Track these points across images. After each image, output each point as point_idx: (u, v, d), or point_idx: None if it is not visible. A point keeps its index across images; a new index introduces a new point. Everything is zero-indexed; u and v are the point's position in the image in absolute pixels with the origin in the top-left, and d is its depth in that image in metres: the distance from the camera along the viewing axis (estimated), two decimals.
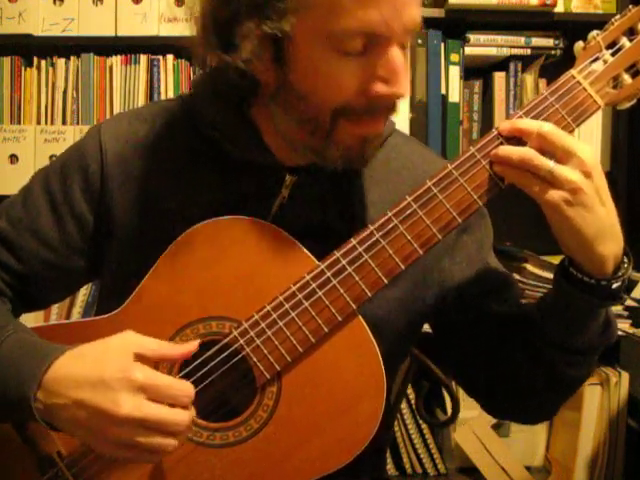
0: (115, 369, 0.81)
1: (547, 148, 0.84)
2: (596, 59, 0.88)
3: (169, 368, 0.90)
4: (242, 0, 0.83)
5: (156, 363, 0.89)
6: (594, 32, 0.89)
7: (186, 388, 0.83)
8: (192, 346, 0.87)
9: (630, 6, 0.88)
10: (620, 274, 0.87)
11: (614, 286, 0.87)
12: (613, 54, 0.88)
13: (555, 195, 0.82)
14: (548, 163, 0.83)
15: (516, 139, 0.86)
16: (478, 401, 1.08)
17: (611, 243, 0.85)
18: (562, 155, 0.83)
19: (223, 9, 0.85)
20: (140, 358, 0.83)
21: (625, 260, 0.89)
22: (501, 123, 0.87)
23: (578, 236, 0.84)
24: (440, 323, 1.06)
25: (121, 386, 0.80)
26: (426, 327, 1.09)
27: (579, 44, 0.90)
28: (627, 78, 0.88)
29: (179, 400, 0.82)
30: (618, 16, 0.89)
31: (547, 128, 0.84)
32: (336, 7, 0.79)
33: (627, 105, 0.91)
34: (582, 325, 0.91)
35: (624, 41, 0.88)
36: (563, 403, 1.03)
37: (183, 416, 0.81)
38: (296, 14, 0.81)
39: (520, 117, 0.87)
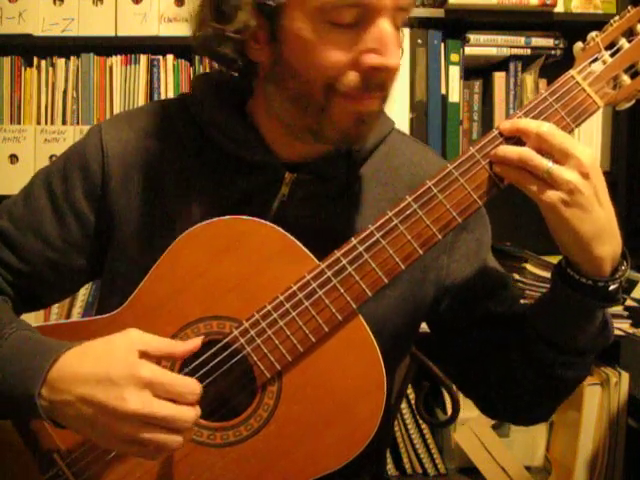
0: (121, 366, 0.81)
1: (545, 148, 0.84)
2: (595, 60, 0.88)
3: (170, 367, 0.90)
4: None
5: (158, 361, 0.90)
6: (593, 33, 0.89)
7: (192, 385, 0.82)
8: (196, 343, 0.86)
9: (629, 7, 0.89)
10: (618, 276, 0.87)
11: (611, 288, 0.87)
12: (612, 55, 0.88)
13: (552, 195, 0.83)
14: (546, 163, 0.83)
15: (516, 139, 0.86)
16: (474, 401, 1.08)
17: (609, 244, 0.85)
18: (560, 156, 0.83)
19: None
20: (144, 355, 0.82)
21: (623, 262, 0.89)
22: (501, 123, 0.88)
23: (575, 237, 0.84)
24: (437, 321, 1.07)
25: (127, 382, 0.79)
26: (425, 327, 1.09)
27: (578, 45, 0.90)
28: (626, 79, 0.89)
29: (185, 397, 0.81)
30: (617, 17, 0.89)
31: (545, 128, 0.84)
32: None
33: (626, 106, 0.91)
34: (579, 326, 0.91)
35: (623, 42, 0.89)
36: (558, 405, 1.03)
37: (189, 413, 0.81)
38: None
39: (520, 117, 0.87)
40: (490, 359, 1.01)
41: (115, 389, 0.79)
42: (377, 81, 0.86)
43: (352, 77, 0.84)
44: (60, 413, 0.83)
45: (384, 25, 0.83)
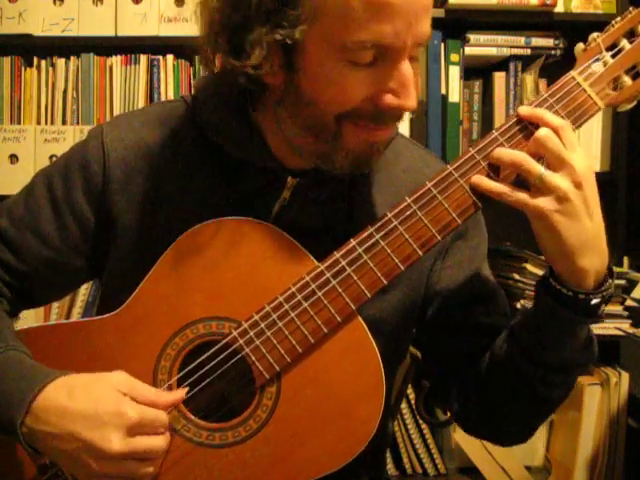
0: (109, 405, 0.83)
1: (541, 153, 0.84)
2: (596, 61, 0.88)
3: (169, 370, 0.90)
4: (253, 7, 0.81)
5: (154, 369, 0.90)
6: (594, 34, 0.89)
7: (165, 419, 0.87)
8: (180, 395, 0.89)
9: (630, 8, 0.89)
10: (601, 290, 0.86)
11: (593, 302, 0.86)
12: (613, 56, 0.88)
13: (541, 202, 0.82)
14: (539, 169, 0.83)
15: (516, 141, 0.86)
16: (450, 412, 1.07)
17: (593, 257, 0.84)
18: (554, 162, 0.83)
19: (233, 14, 0.84)
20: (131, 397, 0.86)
21: (608, 279, 0.88)
22: (500, 123, 0.87)
23: (560, 245, 0.83)
24: (423, 326, 1.05)
25: (114, 422, 0.82)
26: None
27: (579, 46, 0.90)
28: (627, 80, 0.88)
29: (158, 430, 0.86)
30: (618, 18, 0.89)
31: (542, 133, 0.83)
32: (349, 18, 0.79)
33: (627, 107, 0.90)
34: (559, 340, 0.90)
35: (624, 43, 0.88)
36: (536, 426, 1.01)
37: (162, 442, 0.86)
38: (309, 23, 0.80)
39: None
40: (471, 370, 1.00)
41: (101, 429, 0.82)
42: (391, 116, 0.86)
43: (366, 109, 0.84)
44: (41, 443, 0.85)
45: (405, 66, 0.82)
